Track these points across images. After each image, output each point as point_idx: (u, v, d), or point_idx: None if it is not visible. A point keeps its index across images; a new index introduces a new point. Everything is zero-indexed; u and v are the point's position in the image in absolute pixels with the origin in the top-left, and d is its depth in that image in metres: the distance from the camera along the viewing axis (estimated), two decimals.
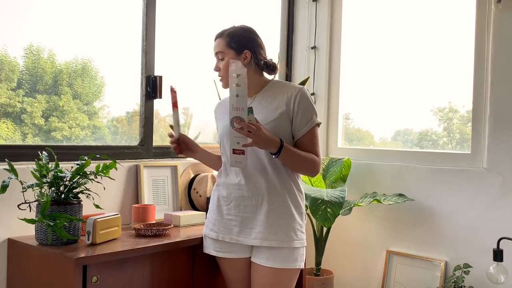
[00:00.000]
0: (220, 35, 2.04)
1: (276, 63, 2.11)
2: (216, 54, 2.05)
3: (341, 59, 3.33)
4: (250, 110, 1.78)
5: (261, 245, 1.97)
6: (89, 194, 2.00)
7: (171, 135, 2.11)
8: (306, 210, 2.82)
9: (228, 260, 2.05)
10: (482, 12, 2.70)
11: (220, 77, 2.06)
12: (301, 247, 2.01)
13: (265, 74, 2.11)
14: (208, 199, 2.54)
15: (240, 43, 2.01)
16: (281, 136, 1.93)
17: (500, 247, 2.34)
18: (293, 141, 2.01)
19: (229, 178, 2.05)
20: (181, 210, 2.61)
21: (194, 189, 2.63)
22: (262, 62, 2.04)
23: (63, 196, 1.93)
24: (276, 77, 2.15)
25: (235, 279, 2.07)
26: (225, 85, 2.08)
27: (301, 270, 2.09)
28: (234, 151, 1.81)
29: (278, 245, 1.95)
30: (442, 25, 2.95)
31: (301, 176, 2.12)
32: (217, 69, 2.06)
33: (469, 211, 2.71)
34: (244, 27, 2.06)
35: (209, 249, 2.08)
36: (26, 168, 1.98)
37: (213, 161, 2.23)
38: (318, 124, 2.05)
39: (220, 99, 2.71)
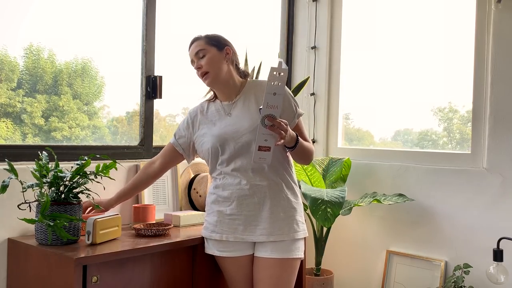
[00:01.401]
0: (196, 39, 2.09)
1: (249, 72, 2.20)
2: (196, 53, 2.05)
3: (341, 59, 3.33)
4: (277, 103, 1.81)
5: (267, 241, 2.01)
6: (89, 194, 2.00)
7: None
8: (306, 210, 2.82)
9: (231, 259, 2.05)
10: (482, 12, 2.70)
11: (205, 73, 2.03)
12: (303, 237, 2.09)
13: None
14: None
15: (219, 41, 2.08)
16: None
17: (500, 247, 2.34)
18: None
19: (226, 179, 2.06)
20: (181, 210, 2.61)
21: (194, 189, 2.63)
22: (239, 65, 2.13)
23: (63, 196, 1.93)
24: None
25: (238, 278, 2.08)
26: (211, 82, 2.07)
27: (300, 265, 2.16)
28: (260, 148, 1.83)
29: (283, 239, 2.02)
30: (442, 25, 2.95)
31: (301, 174, 2.15)
32: (199, 66, 2.05)
33: (469, 211, 2.71)
34: (218, 34, 2.14)
35: (212, 250, 2.08)
36: (26, 168, 1.98)
37: (141, 187, 2.25)
38: (301, 115, 2.12)
39: None
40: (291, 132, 1.91)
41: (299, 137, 1.97)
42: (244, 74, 2.14)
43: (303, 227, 2.09)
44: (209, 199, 2.13)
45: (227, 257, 2.05)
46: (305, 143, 2.03)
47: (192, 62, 2.10)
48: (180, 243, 2.08)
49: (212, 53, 2.04)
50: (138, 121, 2.63)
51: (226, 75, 2.06)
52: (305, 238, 2.12)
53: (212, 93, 2.17)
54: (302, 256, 2.09)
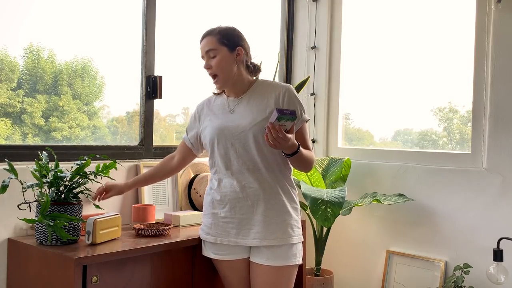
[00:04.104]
0: (209, 33, 2.02)
1: (260, 64, 2.13)
2: (207, 52, 2.01)
3: (341, 59, 3.33)
4: (291, 118, 1.76)
5: (261, 245, 1.98)
6: (89, 194, 2.00)
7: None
8: (306, 210, 2.82)
9: (227, 262, 2.05)
10: (482, 12, 2.70)
11: (214, 75, 2.02)
12: (298, 242, 2.04)
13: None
14: None
15: (232, 40, 2.01)
16: None
17: (500, 247, 2.34)
18: None
19: (221, 180, 2.05)
20: (181, 210, 2.61)
21: (194, 189, 2.63)
22: (249, 62, 2.07)
23: (63, 196, 1.93)
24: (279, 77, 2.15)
25: (234, 281, 2.08)
26: (221, 87, 2.06)
27: (300, 266, 2.13)
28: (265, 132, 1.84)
29: (277, 243, 1.97)
30: (442, 25, 2.95)
31: (301, 175, 2.13)
32: (208, 66, 2.02)
33: (469, 211, 2.71)
34: (232, 27, 2.06)
35: (208, 252, 2.09)
36: (26, 168, 1.98)
37: (157, 178, 2.27)
38: (307, 121, 2.07)
39: None
40: (291, 143, 1.84)
41: (300, 148, 1.90)
42: (256, 70, 2.09)
43: (298, 232, 2.04)
44: (206, 200, 2.12)
45: (222, 260, 2.05)
46: (305, 152, 1.96)
47: (202, 57, 2.05)
48: (180, 243, 2.09)
49: (223, 54, 1.99)
50: (138, 121, 2.63)
51: (236, 76, 2.02)
52: (303, 242, 2.08)
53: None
54: (300, 261, 2.04)
